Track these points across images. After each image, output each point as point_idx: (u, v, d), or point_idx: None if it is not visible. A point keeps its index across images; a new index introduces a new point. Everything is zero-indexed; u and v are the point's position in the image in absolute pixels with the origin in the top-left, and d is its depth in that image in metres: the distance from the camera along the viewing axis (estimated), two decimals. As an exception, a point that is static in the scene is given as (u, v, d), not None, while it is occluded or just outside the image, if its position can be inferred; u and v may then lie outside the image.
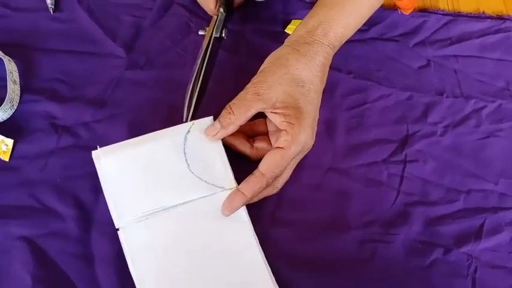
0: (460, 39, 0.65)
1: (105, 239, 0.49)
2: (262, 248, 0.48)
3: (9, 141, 0.52)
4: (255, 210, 0.50)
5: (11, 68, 0.55)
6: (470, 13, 0.67)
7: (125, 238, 0.47)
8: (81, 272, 0.47)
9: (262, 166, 0.48)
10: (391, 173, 0.56)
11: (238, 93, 0.49)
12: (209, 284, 0.46)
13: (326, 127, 0.57)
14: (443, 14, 0.66)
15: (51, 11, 0.60)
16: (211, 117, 0.50)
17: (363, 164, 0.56)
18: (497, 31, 0.66)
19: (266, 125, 0.53)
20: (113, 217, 0.47)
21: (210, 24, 0.55)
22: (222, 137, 0.49)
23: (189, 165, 0.48)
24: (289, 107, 0.48)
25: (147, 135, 0.49)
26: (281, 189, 0.52)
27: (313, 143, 0.50)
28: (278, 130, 0.49)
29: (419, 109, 0.60)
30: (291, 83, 0.49)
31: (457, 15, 0.67)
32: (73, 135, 0.53)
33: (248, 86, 0.49)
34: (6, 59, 0.55)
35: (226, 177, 0.49)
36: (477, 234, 0.54)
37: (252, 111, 0.48)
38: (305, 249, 0.51)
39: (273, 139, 0.52)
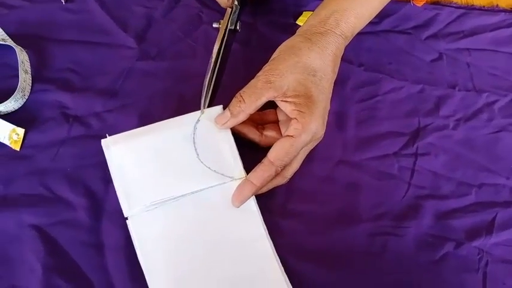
0: (473, 32, 0.64)
1: (116, 228, 0.49)
2: (272, 239, 0.48)
3: (21, 131, 0.52)
4: (266, 201, 0.50)
5: (23, 57, 0.55)
6: (484, 6, 0.67)
7: (133, 227, 0.47)
8: (91, 261, 0.48)
9: (271, 154, 0.47)
10: (402, 166, 0.55)
11: (250, 84, 0.49)
12: (218, 274, 0.46)
13: (337, 119, 0.57)
14: (456, 7, 0.66)
15: (63, 1, 0.60)
16: (221, 106, 0.50)
17: (374, 156, 0.56)
18: (511, 25, 0.65)
19: (276, 114, 0.53)
20: (122, 206, 0.47)
21: (225, 16, 0.55)
22: (232, 126, 0.49)
23: (198, 154, 0.48)
24: (301, 95, 0.48)
25: (156, 124, 0.49)
26: (291, 181, 0.52)
27: (323, 132, 0.50)
28: (288, 119, 0.49)
29: (431, 102, 0.59)
30: (303, 71, 0.48)
31: (470, 9, 0.66)
32: (84, 125, 0.54)
33: (259, 74, 0.49)
34: (18, 49, 0.55)
35: (236, 167, 0.49)
36: (488, 229, 0.53)
37: (263, 100, 0.48)
38: (315, 241, 0.51)
39: (283, 128, 0.52)
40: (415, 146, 0.57)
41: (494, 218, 0.54)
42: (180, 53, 0.59)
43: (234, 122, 0.48)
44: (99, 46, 0.58)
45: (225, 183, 0.48)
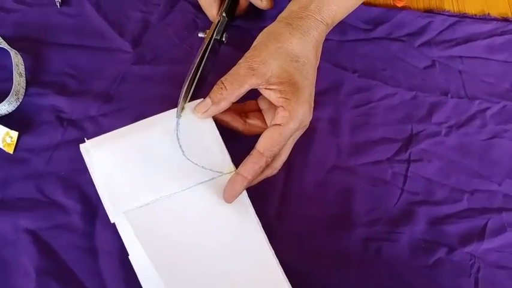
0: (466, 40, 0.65)
1: (110, 233, 0.48)
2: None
3: (14, 134, 0.52)
4: (260, 206, 0.50)
5: (17, 60, 0.55)
6: (476, 15, 0.67)
7: (122, 229, 0.45)
8: (85, 265, 0.47)
9: (260, 145, 0.46)
10: (395, 172, 0.56)
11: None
12: (213, 270, 0.45)
13: (331, 125, 0.57)
14: (449, 15, 0.67)
15: (58, 5, 0.60)
16: (202, 99, 0.48)
17: (368, 162, 0.56)
18: (503, 33, 0.66)
19: (258, 105, 0.52)
20: (108, 211, 0.46)
21: (211, 27, 0.54)
22: (213, 114, 0.47)
23: (183, 151, 0.47)
24: (285, 82, 0.46)
25: (137, 124, 0.47)
26: (286, 186, 0.52)
27: (310, 119, 0.49)
28: (271, 107, 0.48)
29: (424, 109, 0.60)
30: (286, 57, 0.47)
31: (462, 17, 0.67)
32: (79, 129, 0.53)
33: (241, 61, 0.47)
34: (13, 52, 0.55)
35: (224, 161, 0.48)
36: (480, 235, 0.54)
37: (246, 87, 0.46)
38: (309, 246, 0.51)
39: (266, 117, 0.51)
40: (408, 152, 0.57)
41: (486, 224, 0.54)
42: (176, 57, 0.59)
43: (215, 110, 0.47)
44: (95, 50, 0.58)
45: (214, 178, 0.47)
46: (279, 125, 0.46)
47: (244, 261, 0.46)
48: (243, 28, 0.62)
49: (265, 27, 0.62)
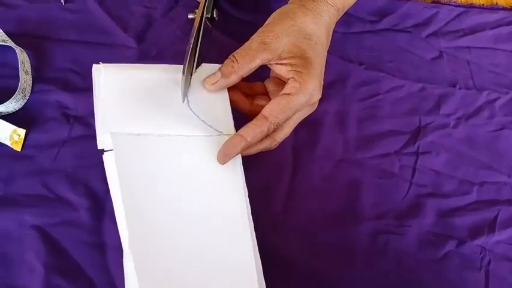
0: (473, 30, 0.64)
1: (117, 228, 0.48)
2: (273, 238, 0.48)
3: (22, 131, 0.52)
4: (267, 200, 0.50)
5: (23, 58, 0.55)
6: (483, 4, 0.67)
7: (108, 162, 0.44)
8: (93, 261, 0.47)
9: (266, 110, 0.45)
10: (403, 164, 0.55)
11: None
12: (182, 226, 0.43)
13: (338, 118, 0.57)
14: (456, 5, 0.66)
15: (63, 1, 0.60)
16: (218, 65, 0.48)
17: (375, 155, 0.56)
18: (511, 22, 0.65)
19: (265, 88, 0.51)
20: (97, 128, 0.44)
21: (200, 6, 0.53)
22: (221, 88, 0.47)
23: (189, 101, 0.46)
24: (296, 57, 0.46)
25: (155, 65, 0.47)
26: (293, 180, 0.51)
27: (319, 97, 0.48)
28: (279, 90, 0.47)
29: (432, 101, 0.59)
30: (298, 34, 0.47)
31: (469, 7, 0.66)
32: (85, 125, 0.53)
33: (253, 36, 0.47)
34: (19, 50, 0.55)
35: (226, 122, 0.46)
36: (490, 227, 0.53)
37: (257, 62, 0.46)
38: (317, 240, 0.50)
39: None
40: (416, 144, 0.57)
41: (496, 216, 0.54)
42: (180, 52, 0.58)
43: (224, 83, 0.46)
44: (99, 46, 0.58)
45: (211, 135, 0.46)
46: (289, 94, 0.45)
47: (218, 228, 0.44)
48: (246, 21, 0.61)
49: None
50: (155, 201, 0.43)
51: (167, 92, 0.46)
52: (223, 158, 0.45)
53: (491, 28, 0.64)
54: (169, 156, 0.45)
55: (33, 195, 0.50)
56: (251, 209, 0.46)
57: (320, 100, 0.50)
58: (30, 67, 0.55)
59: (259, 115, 0.45)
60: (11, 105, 0.53)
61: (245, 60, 0.46)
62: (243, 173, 0.46)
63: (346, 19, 0.60)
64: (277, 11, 0.50)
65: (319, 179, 0.53)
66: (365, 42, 0.62)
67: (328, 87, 0.57)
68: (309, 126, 0.54)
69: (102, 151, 0.47)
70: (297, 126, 0.50)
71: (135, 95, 0.45)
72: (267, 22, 0.49)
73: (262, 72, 0.51)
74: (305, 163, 0.52)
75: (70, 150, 0.52)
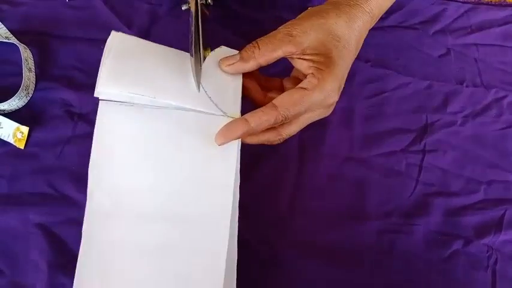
0: (481, 27, 0.64)
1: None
2: (279, 237, 0.47)
3: (25, 129, 0.52)
4: (273, 198, 0.49)
5: (27, 55, 0.55)
6: (491, 1, 0.66)
7: (101, 113, 0.44)
8: (97, 260, 0.47)
9: (277, 100, 0.43)
10: (409, 162, 0.55)
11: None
12: (158, 204, 0.42)
13: (344, 116, 0.56)
14: (464, 2, 0.65)
15: (67, -2, 0.60)
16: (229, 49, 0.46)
17: (382, 153, 0.55)
18: (519, 19, 0.64)
19: (282, 84, 0.49)
20: (98, 82, 0.43)
21: None
22: (237, 71, 0.45)
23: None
24: (320, 54, 0.44)
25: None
26: (298, 179, 0.51)
27: (336, 100, 0.46)
28: (297, 84, 0.45)
29: (439, 98, 0.59)
30: (327, 34, 0.45)
31: (477, 3, 0.65)
32: (89, 123, 0.53)
33: (281, 26, 0.45)
34: (22, 47, 0.55)
35: (233, 104, 0.44)
36: (497, 226, 0.53)
37: (279, 53, 0.44)
38: (323, 239, 0.50)
39: None
40: (423, 142, 0.56)
41: (503, 215, 0.53)
42: (185, 49, 0.58)
43: (241, 67, 0.45)
44: (103, 43, 0.57)
45: (214, 114, 0.44)
46: (304, 88, 0.44)
47: (196, 212, 0.42)
48: (252, 19, 0.61)
49: (274, 16, 0.61)
50: (136, 172, 0.42)
51: (179, 62, 0.45)
52: (222, 138, 0.43)
53: (499, 25, 0.64)
54: (163, 129, 0.43)
55: (38, 193, 0.49)
56: (256, 206, 0.46)
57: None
58: (33, 64, 0.55)
59: (269, 104, 0.44)
60: (14, 103, 0.52)
61: (267, 48, 0.44)
62: (239, 161, 0.44)
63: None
64: (309, 8, 0.48)
65: (325, 177, 0.53)
66: (372, 39, 0.60)
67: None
68: (315, 124, 0.53)
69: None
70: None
71: (147, 58, 0.44)
72: (298, 17, 0.47)
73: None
74: (311, 161, 0.52)
75: (74, 148, 0.52)
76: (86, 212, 0.42)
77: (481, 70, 0.61)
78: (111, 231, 0.42)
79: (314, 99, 0.44)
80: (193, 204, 0.43)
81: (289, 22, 0.46)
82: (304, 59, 0.45)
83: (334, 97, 0.46)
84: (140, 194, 0.43)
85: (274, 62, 0.46)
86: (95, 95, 0.44)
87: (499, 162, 0.56)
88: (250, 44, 0.45)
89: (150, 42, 0.46)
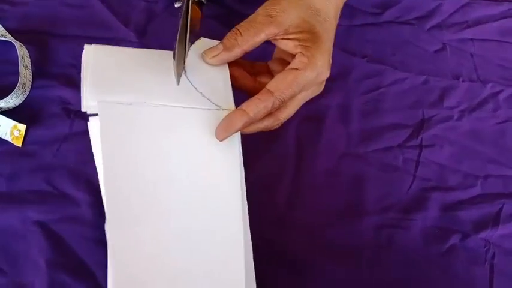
0: (477, 22, 0.64)
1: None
2: (278, 233, 0.48)
3: (22, 127, 0.52)
4: (271, 194, 0.50)
5: (23, 53, 0.55)
6: (487, -4, 0.66)
7: (92, 129, 0.42)
8: (97, 257, 0.47)
9: (271, 84, 0.42)
10: (406, 158, 0.55)
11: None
12: (167, 205, 0.40)
13: (340, 112, 0.57)
14: (459, -3, 0.66)
15: (65, -4, 0.60)
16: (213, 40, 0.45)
17: (378, 149, 0.55)
18: (515, 14, 0.64)
19: (268, 68, 0.49)
20: (84, 96, 0.41)
21: None
22: (222, 61, 0.44)
23: (186, 71, 0.43)
24: (304, 31, 0.43)
25: (149, 49, 0.45)
26: (296, 175, 0.51)
27: (327, 75, 0.46)
28: (283, 67, 0.44)
29: (436, 93, 0.59)
30: (306, 9, 0.44)
31: (473, -2, 0.66)
32: (86, 121, 0.53)
33: (259, 9, 0.44)
34: (18, 45, 0.54)
35: (226, 97, 0.43)
36: (495, 220, 0.53)
37: (262, 37, 0.43)
38: (321, 234, 0.50)
39: None
40: (420, 137, 0.56)
41: (500, 210, 0.54)
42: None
43: (225, 56, 0.43)
44: (100, 41, 0.56)
45: (209, 109, 0.43)
46: (296, 69, 0.43)
47: (208, 209, 0.41)
48: (244, 14, 0.61)
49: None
50: (139, 176, 0.40)
51: (163, 64, 0.43)
52: (223, 133, 0.42)
53: (496, 20, 0.64)
54: (162, 128, 0.42)
55: (36, 191, 0.49)
56: (254, 203, 0.46)
57: (322, 94, 0.49)
58: (30, 62, 0.55)
59: (264, 89, 0.43)
60: (11, 101, 0.52)
61: (249, 34, 0.43)
62: (241, 152, 0.43)
63: (349, 11, 0.60)
64: None
65: (322, 173, 0.53)
66: (368, 35, 0.61)
67: (331, 81, 0.56)
68: (311, 120, 0.54)
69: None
70: (300, 120, 0.50)
71: (128, 64, 0.43)
72: None
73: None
74: (308, 157, 0.52)
75: (71, 146, 0.52)
76: (107, 218, 0.40)
77: (477, 65, 0.61)
78: (137, 230, 0.40)
79: (307, 78, 0.43)
80: (203, 201, 0.41)
81: (266, 3, 0.45)
82: (289, 39, 0.44)
83: (326, 73, 0.45)
84: (156, 190, 0.41)
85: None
86: (82, 109, 0.42)
87: (496, 156, 0.56)
88: (231, 32, 0.44)
89: (126, 48, 0.45)
